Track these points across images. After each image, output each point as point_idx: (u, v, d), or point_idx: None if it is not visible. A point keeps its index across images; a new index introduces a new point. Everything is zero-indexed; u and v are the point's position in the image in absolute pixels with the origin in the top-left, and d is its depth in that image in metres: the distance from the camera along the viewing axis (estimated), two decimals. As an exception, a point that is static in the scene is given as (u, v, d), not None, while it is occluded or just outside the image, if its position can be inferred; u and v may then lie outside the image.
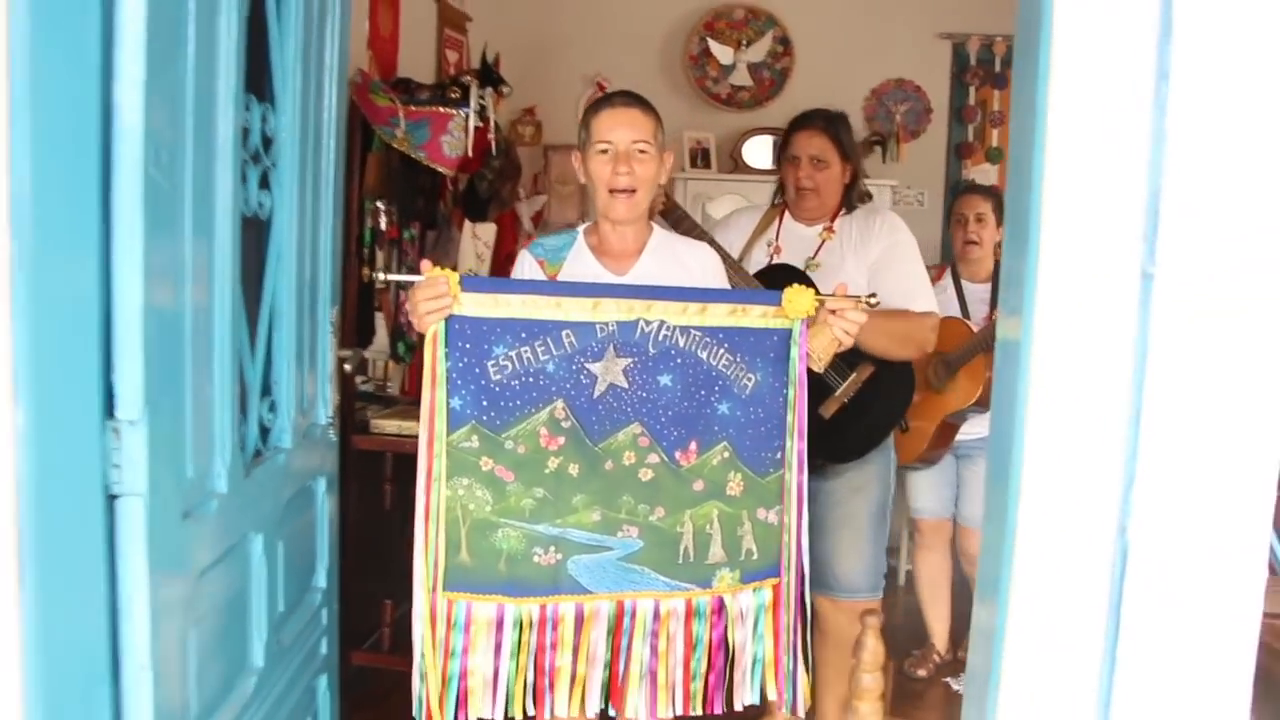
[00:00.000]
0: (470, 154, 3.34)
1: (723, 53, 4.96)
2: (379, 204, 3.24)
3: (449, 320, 1.86)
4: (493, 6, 4.61)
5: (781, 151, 2.79)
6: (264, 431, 1.72)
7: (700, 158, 4.90)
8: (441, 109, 3.22)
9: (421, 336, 1.89)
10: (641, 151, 2.10)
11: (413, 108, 3.17)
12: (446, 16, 4.19)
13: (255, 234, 1.67)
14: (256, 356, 1.66)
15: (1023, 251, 0.80)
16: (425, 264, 1.89)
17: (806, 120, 2.73)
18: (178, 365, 1.32)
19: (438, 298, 1.84)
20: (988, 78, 4.96)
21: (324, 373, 2.01)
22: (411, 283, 1.89)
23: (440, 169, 3.27)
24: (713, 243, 2.42)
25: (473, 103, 3.25)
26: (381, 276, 2.13)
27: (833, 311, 1.95)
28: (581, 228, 2.25)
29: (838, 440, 2.53)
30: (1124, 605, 0.76)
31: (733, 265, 2.48)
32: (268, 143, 1.64)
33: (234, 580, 1.58)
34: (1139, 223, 0.75)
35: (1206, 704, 0.76)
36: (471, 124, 3.25)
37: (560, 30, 4.92)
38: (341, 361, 2.17)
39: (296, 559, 1.88)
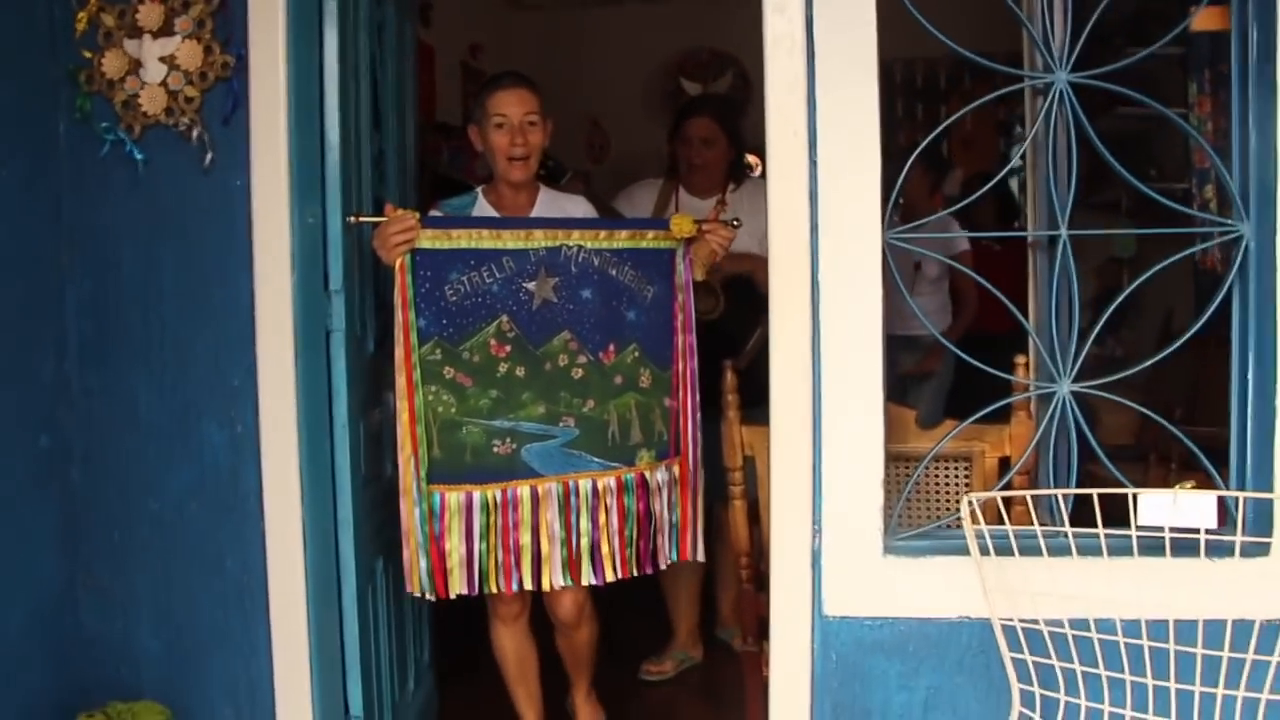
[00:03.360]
0: (496, 174, 4.46)
1: (691, 87, 6.08)
2: (431, 212, 4.38)
3: (413, 253, 2.17)
4: (506, 63, 5.70)
5: (675, 132, 3.08)
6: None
7: (676, 173, 6.00)
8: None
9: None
10: (531, 124, 2.41)
11: (453, 141, 4.31)
12: (468, 74, 5.32)
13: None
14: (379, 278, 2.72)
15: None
16: (389, 206, 2.23)
17: (698, 107, 3.10)
18: (351, 267, 2.37)
19: (405, 231, 2.15)
20: (910, 95, 6.01)
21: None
22: (378, 222, 2.22)
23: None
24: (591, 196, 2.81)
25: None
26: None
27: (707, 231, 2.35)
28: (479, 189, 2.54)
29: (751, 387, 2.89)
30: (821, 354, 1.88)
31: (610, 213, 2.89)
32: (381, 154, 2.68)
33: (376, 417, 2.60)
34: (807, 205, 1.90)
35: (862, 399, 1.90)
36: (496, 153, 4.38)
37: (561, 80, 5.98)
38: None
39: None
